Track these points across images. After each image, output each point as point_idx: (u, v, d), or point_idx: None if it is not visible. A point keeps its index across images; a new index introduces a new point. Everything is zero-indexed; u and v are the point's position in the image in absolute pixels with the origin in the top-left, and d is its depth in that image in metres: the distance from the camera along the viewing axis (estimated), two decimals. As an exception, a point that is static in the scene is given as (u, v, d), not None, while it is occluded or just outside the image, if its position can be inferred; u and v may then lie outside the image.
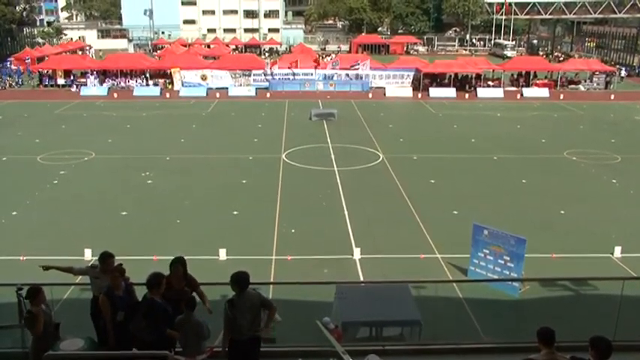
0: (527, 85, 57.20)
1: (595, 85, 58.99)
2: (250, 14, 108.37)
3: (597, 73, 59.72)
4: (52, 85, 57.74)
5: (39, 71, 59.64)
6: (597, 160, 31.47)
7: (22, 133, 37.70)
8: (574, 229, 21.73)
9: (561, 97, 52.95)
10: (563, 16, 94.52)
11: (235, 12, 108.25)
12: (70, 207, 24.07)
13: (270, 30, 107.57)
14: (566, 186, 27.12)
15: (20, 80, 60.45)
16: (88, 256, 18.13)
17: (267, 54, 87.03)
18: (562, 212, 23.44)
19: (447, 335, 12.80)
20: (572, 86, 58.94)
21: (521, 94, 54.36)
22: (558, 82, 57.96)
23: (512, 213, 22.79)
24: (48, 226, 21.93)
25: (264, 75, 56.90)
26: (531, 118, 44.67)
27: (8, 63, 64.96)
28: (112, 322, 8.24)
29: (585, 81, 59.49)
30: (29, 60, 63.85)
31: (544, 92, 54.74)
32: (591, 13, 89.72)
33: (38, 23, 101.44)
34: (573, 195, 25.75)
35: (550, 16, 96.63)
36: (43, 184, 26.97)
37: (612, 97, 53.83)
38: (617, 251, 19.18)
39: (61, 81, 57.47)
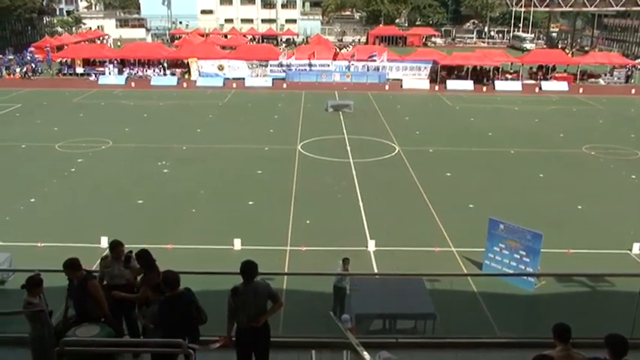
0: (546, 79, 56.64)
1: (615, 79, 58.27)
2: (268, 5, 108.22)
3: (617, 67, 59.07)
4: (70, 74, 58.17)
5: (52, 60, 60.17)
6: (616, 155, 31.10)
7: (41, 121, 38.07)
8: (591, 224, 21.51)
9: (581, 90, 52.36)
10: (584, 9, 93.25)
11: (253, 2, 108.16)
12: (87, 195, 24.29)
13: (287, 21, 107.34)
14: (584, 181, 26.86)
15: (39, 69, 60.91)
16: (104, 243, 18.25)
17: (283, 45, 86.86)
18: (579, 207, 23.22)
19: (461, 329, 12.73)
20: (592, 80, 58.26)
21: (540, 88, 53.87)
22: (578, 76, 57.29)
23: (528, 207, 22.60)
24: (65, 213, 22.13)
25: (280, 66, 56.93)
26: (550, 112, 44.23)
27: (28, 53, 65.43)
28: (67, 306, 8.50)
29: (605, 75, 58.77)
30: (49, 48, 64.30)
31: (563, 86, 54.19)
32: (613, 6, 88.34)
33: (58, 12, 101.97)
34: (591, 190, 25.50)
35: (570, 9, 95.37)
36: (60, 172, 27.22)
37: (633, 91, 53.09)
38: (636, 248, 18.93)
39: (79, 70, 57.90)
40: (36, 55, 63.97)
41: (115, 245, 9.21)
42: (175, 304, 7.78)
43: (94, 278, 8.58)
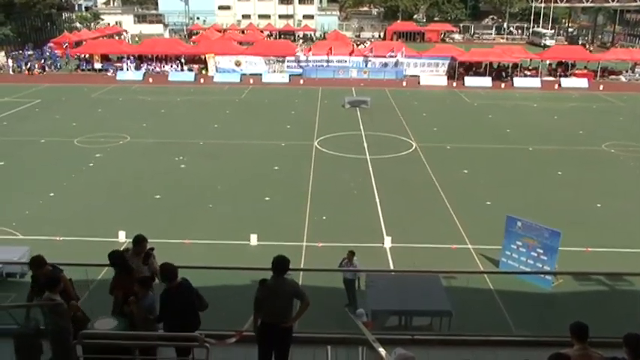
0: (566, 75, 56.04)
1: (637, 75, 57.50)
2: (285, 0, 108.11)
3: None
4: (89, 70, 58.65)
5: (70, 55, 60.62)
6: (637, 153, 30.69)
7: (60, 117, 38.42)
8: (610, 223, 21.26)
9: (601, 87, 51.75)
10: (606, 4, 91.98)
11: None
12: (105, 189, 24.50)
13: (304, 16, 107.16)
14: (603, 179, 26.56)
15: (58, 64, 61.46)
16: (122, 238, 18.44)
17: (300, 40, 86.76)
18: (598, 206, 22.98)
19: (477, 327, 12.69)
20: (613, 77, 57.53)
21: (560, 85, 53.30)
22: (598, 73, 56.61)
23: (546, 205, 22.43)
24: (84, 207, 22.34)
25: (298, 62, 56.93)
26: (569, 108, 43.79)
27: (47, 49, 66.00)
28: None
29: (627, 71, 58.01)
30: (67, 44, 64.89)
31: (583, 83, 53.57)
32: (635, 1, 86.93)
33: (76, 8, 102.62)
34: (610, 188, 25.20)
35: (592, 4, 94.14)
36: (79, 167, 27.47)
37: (654, 88, 52.40)
38: (655, 246, 18.73)
39: (97, 65, 58.35)
40: (55, 51, 64.53)
41: (139, 241, 9.15)
42: (176, 294, 7.91)
43: (61, 272, 8.51)
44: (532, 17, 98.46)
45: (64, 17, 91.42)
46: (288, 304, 7.85)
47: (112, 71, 56.77)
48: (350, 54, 58.26)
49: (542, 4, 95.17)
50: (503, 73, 56.05)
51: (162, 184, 24.98)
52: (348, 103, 42.04)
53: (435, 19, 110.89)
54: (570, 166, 28.37)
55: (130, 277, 8.55)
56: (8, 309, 8.38)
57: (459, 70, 55.15)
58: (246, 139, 32.67)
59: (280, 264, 7.78)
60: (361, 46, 67.49)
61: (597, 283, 15.89)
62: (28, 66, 58.21)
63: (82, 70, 59.13)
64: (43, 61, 60.52)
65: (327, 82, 53.11)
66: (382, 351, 7.46)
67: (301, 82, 53.53)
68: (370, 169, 27.47)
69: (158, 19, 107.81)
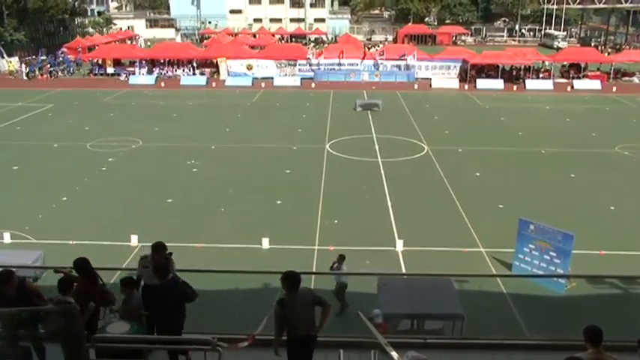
0: (579, 77, 55.70)
1: (650, 77, 57.03)
2: (296, 4, 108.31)
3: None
4: (101, 74, 59.04)
5: (82, 60, 61.03)
6: (650, 155, 30.47)
7: (73, 121, 38.68)
8: (624, 225, 21.08)
9: (614, 89, 51.40)
10: (619, 5, 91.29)
11: (281, 1, 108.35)
12: (118, 193, 24.63)
13: (315, 20, 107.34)
14: (616, 181, 26.36)
15: (71, 69, 61.95)
16: (135, 242, 18.53)
17: (312, 44, 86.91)
18: (612, 208, 22.81)
19: (490, 330, 12.62)
20: (626, 78, 57.10)
21: (572, 87, 52.95)
22: (611, 74, 56.21)
23: (559, 208, 22.28)
24: (96, 211, 22.48)
25: (309, 65, 56.95)
26: (582, 111, 43.52)
27: (60, 53, 66.52)
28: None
29: (640, 73, 57.60)
30: (80, 49, 65.39)
31: (596, 84, 53.22)
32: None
33: (89, 13, 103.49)
34: (624, 191, 25.02)
35: (604, 6, 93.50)
36: (92, 171, 27.64)
37: (668, 90, 51.92)
38: (670, 249, 18.55)
39: (110, 70, 58.72)
40: (68, 56, 65.04)
41: (158, 249, 9.23)
42: (169, 290, 8.13)
43: (25, 278, 8.49)
44: (544, 19, 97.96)
45: (76, 22, 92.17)
46: (312, 312, 7.84)
47: (124, 76, 57.14)
48: (362, 57, 58.17)
49: (554, 6, 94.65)
50: (516, 76, 55.78)
51: (174, 188, 25.09)
52: (360, 105, 42.03)
53: (447, 21, 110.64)
54: (583, 168, 28.19)
55: (94, 286, 8.52)
56: (20, 312, 8.42)
57: (470, 73, 54.98)
58: (257, 142, 32.73)
59: (292, 280, 7.74)
60: (373, 49, 67.46)
61: (611, 286, 15.75)
62: (27, 70, 58.59)
63: (95, 74, 59.54)
64: (49, 65, 60.74)
65: (338, 85, 53.14)
66: (394, 354, 7.43)
67: (313, 85, 53.57)
68: (382, 172, 27.43)
69: (170, 23, 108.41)
